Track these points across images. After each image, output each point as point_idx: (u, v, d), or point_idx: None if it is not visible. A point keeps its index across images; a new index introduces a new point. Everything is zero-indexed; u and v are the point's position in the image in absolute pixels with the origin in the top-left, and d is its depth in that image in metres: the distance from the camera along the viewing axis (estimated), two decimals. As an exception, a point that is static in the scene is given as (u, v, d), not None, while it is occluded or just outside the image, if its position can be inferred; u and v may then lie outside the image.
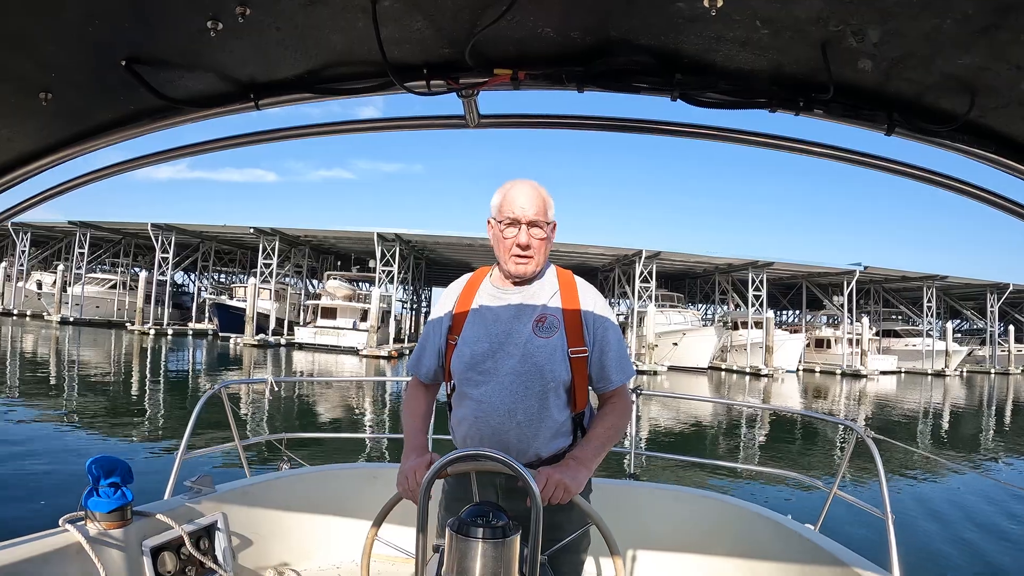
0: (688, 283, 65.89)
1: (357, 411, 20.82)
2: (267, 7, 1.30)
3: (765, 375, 45.05)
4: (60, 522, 2.46)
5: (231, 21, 1.30)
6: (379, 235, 49.19)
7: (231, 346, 45.77)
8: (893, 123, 1.48)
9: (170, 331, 52.79)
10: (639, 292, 49.96)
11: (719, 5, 1.21)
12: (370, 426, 17.88)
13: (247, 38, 1.41)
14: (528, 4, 1.29)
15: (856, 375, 48.98)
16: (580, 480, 1.97)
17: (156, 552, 2.67)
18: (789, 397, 34.27)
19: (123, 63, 1.43)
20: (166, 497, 3.15)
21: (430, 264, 65.91)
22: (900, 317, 66.62)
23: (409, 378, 2.46)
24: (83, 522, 2.53)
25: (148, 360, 32.85)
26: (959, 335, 60.74)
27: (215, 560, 2.92)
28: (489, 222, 2.22)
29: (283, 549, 3.44)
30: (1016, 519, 10.66)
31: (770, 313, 50.10)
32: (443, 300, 2.36)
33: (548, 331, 2.14)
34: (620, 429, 2.22)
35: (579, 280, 2.29)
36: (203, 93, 1.60)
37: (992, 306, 60.28)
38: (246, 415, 16.70)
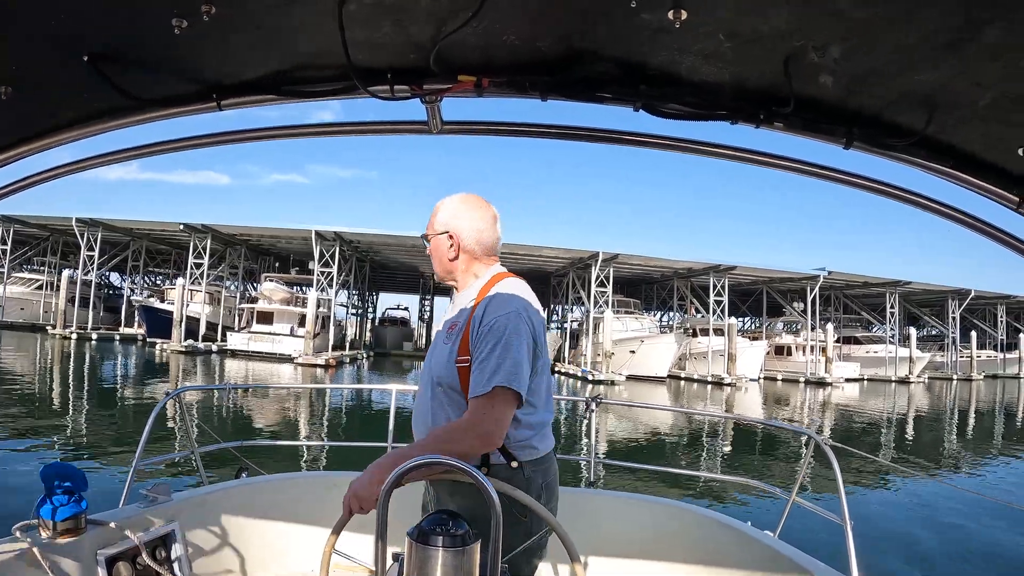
0: (644, 289, 65.39)
1: (314, 419, 20.66)
2: (233, 7, 1.35)
3: (728, 384, 44.45)
4: (12, 530, 2.45)
5: (197, 20, 1.35)
6: (318, 233, 47.42)
7: (156, 353, 43.75)
8: (852, 137, 1.57)
9: (94, 335, 51.05)
10: (595, 297, 49.45)
11: (683, 18, 1.28)
12: (328, 434, 17.76)
13: (212, 37, 1.46)
14: (494, 12, 1.35)
15: (821, 383, 48.68)
16: (367, 486, 1.91)
17: (111, 562, 2.67)
18: (756, 408, 33.97)
19: (86, 59, 1.46)
20: (121, 506, 3.15)
21: (376, 267, 64.34)
22: (860, 324, 68.07)
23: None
24: (36, 531, 2.53)
25: (58, 368, 31.72)
26: (916, 341, 62.31)
27: (171, 570, 2.93)
28: None
29: (240, 558, 3.45)
30: (973, 524, 11.09)
31: (732, 320, 50.16)
32: None
33: (451, 337, 2.25)
34: (445, 440, 2.01)
35: (499, 285, 2.26)
36: (166, 92, 1.63)
37: (954, 312, 62.18)
38: (199, 424, 16.39)
